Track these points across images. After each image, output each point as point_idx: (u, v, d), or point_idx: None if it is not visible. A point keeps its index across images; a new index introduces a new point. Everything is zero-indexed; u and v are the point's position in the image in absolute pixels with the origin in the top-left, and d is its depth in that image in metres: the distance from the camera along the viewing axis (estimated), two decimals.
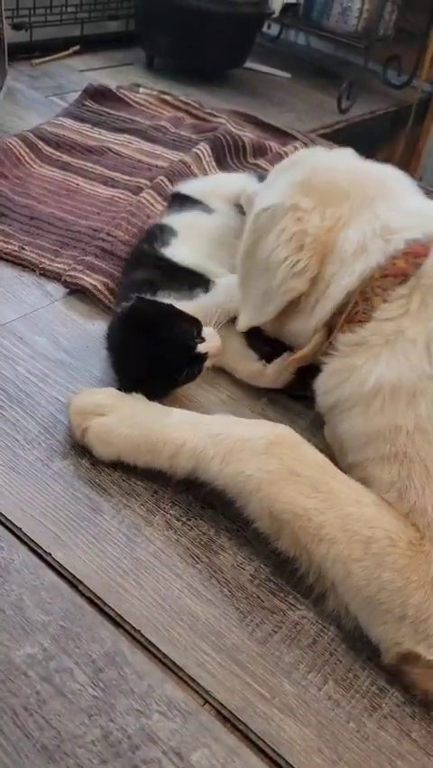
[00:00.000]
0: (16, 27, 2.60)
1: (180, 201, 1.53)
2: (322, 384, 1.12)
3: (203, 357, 1.15)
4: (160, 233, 1.41)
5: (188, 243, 1.38)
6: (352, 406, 1.04)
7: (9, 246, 1.55)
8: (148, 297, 1.20)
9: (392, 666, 0.88)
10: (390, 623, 0.86)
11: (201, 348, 1.14)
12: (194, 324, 1.16)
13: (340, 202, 1.13)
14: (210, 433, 1.01)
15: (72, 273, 1.47)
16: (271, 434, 1.00)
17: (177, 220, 1.46)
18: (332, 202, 1.13)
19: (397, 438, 0.96)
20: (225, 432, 1.01)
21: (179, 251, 1.36)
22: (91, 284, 1.45)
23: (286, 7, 3.28)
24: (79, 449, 1.11)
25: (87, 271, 1.48)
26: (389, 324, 1.02)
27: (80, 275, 1.46)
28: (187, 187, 1.58)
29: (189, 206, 1.49)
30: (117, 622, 0.90)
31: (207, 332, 1.16)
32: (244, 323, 1.24)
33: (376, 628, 0.88)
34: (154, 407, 1.09)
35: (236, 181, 1.55)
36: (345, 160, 1.25)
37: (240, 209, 1.50)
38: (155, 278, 1.28)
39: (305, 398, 1.23)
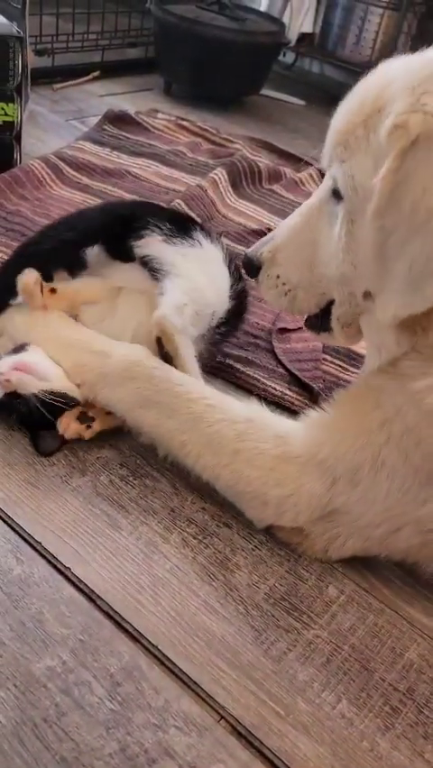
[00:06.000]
0: (39, 53, 2.67)
1: None
2: None
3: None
4: None
5: None
6: None
7: None
8: None
9: (262, 528, 1.08)
10: (257, 507, 1.05)
11: None
12: None
13: None
14: (75, 362, 1.13)
15: None
16: (124, 369, 1.10)
17: None
18: None
19: None
20: (88, 363, 1.13)
21: None
22: None
23: (302, 36, 3.35)
24: (98, 466, 1.14)
25: None
26: None
27: None
28: None
29: None
30: (135, 637, 0.91)
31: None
32: (392, 311, 0.90)
33: (247, 511, 1.07)
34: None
35: None
36: None
37: None
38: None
39: None
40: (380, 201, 0.84)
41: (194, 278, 1.18)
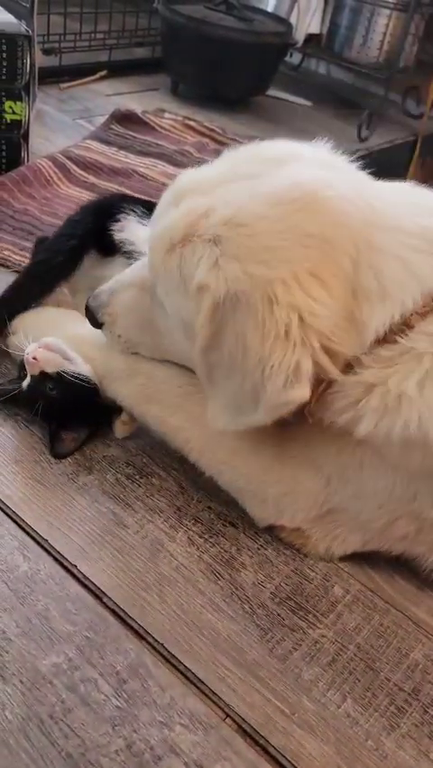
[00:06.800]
0: (46, 52, 2.67)
1: None
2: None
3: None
4: None
5: None
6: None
7: None
8: None
9: (265, 528, 1.09)
10: (256, 505, 1.07)
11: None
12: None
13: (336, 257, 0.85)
14: (84, 356, 1.15)
15: None
16: (128, 366, 1.13)
17: None
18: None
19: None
20: (97, 358, 1.16)
21: None
22: None
23: (309, 37, 3.35)
24: (105, 464, 1.14)
25: None
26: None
27: None
28: None
29: None
30: (140, 635, 0.92)
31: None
32: (221, 424, 0.96)
33: (248, 508, 1.08)
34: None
35: None
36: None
37: None
38: None
39: None
40: (202, 343, 0.90)
41: None
